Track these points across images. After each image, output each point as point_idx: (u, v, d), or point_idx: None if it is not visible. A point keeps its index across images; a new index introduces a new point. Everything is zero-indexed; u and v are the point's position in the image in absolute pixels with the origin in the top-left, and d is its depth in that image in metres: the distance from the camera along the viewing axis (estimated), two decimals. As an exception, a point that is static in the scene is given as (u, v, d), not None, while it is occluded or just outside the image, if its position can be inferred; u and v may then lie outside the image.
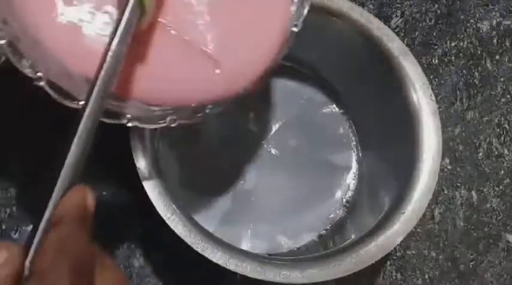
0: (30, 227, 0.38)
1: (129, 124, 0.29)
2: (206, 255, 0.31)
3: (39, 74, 0.27)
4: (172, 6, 0.29)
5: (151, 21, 0.28)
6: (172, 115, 0.30)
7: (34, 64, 0.27)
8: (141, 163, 0.33)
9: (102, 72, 0.25)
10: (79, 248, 0.21)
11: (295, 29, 0.32)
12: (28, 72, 0.27)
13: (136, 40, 0.27)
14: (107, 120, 0.28)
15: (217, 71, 0.30)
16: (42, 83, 0.27)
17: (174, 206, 0.32)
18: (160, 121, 0.30)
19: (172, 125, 0.30)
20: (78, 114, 0.24)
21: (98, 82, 0.25)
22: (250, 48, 0.31)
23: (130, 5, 0.26)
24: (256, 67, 0.31)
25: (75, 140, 0.23)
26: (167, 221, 0.32)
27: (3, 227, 0.38)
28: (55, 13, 0.27)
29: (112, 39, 0.25)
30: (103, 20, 0.28)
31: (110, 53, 0.25)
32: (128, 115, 0.29)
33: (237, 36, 0.30)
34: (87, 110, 0.24)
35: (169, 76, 0.29)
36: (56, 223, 0.21)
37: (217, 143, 0.42)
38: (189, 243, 0.32)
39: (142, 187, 0.32)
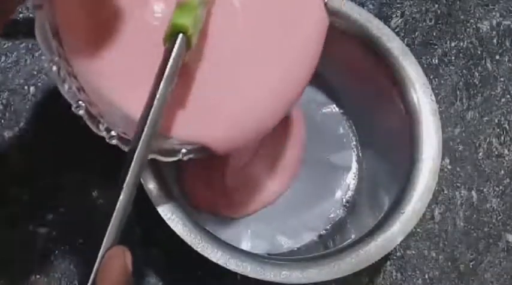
0: (30, 227, 0.38)
1: (185, 158, 0.29)
2: (206, 255, 0.31)
3: (112, 133, 0.27)
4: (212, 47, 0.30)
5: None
6: None
7: (108, 127, 0.27)
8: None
9: (150, 116, 0.25)
10: None
11: None
12: (104, 134, 0.27)
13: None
14: (163, 159, 0.28)
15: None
16: (114, 141, 0.27)
17: (174, 206, 0.32)
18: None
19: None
20: (124, 164, 0.24)
21: (146, 130, 0.24)
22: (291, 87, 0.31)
23: (177, 45, 0.26)
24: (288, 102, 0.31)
25: (122, 196, 0.24)
26: (167, 221, 0.32)
27: (3, 227, 0.38)
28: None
29: (159, 80, 0.25)
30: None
31: (156, 96, 0.25)
32: (183, 150, 0.29)
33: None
34: (135, 155, 0.24)
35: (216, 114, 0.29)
36: None
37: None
38: (189, 243, 0.32)
39: (142, 187, 0.32)
